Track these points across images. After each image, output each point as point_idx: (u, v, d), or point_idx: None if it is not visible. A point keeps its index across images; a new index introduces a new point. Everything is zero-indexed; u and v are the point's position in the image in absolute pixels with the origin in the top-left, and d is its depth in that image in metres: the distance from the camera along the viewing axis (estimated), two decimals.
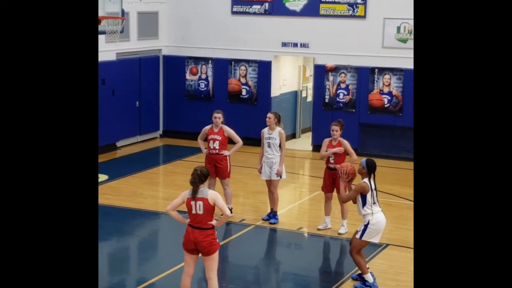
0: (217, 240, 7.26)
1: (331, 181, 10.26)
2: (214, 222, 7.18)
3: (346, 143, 10.10)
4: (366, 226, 8.18)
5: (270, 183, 10.64)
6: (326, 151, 10.21)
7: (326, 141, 10.30)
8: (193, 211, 7.12)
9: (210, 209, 7.12)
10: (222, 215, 7.18)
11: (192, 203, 7.10)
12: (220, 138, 10.66)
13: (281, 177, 10.58)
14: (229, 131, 10.73)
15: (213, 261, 7.22)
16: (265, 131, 10.59)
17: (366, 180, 8.16)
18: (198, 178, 7.10)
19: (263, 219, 10.81)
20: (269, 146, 10.49)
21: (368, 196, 8.10)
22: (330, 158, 10.18)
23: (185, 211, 7.32)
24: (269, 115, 10.60)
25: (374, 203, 8.17)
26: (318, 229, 10.46)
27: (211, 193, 7.17)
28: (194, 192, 7.10)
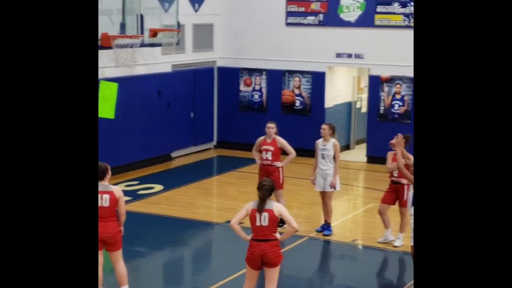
0: (281, 252, 7.26)
1: (394, 194, 10.12)
2: (278, 236, 7.18)
3: (410, 156, 9.87)
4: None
5: (324, 195, 10.59)
6: (391, 164, 10.09)
7: (391, 154, 10.17)
8: (257, 223, 7.10)
9: (275, 220, 7.11)
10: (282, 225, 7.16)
11: (257, 214, 7.10)
12: (272, 149, 10.67)
13: (335, 188, 10.52)
14: (282, 142, 10.73)
15: (276, 272, 7.20)
16: (320, 142, 10.56)
17: None
18: (268, 193, 7.12)
19: (317, 231, 10.75)
20: (323, 158, 10.46)
21: None
22: (394, 172, 10.04)
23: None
24: (323, 126, 10.57)
25: None
26: (379, 242, 10.34)
27: (277, 206, 7.17)
28: (262, 205, 7.10)
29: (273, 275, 7.18)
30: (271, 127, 10.75)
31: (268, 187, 7.11)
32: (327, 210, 10.64)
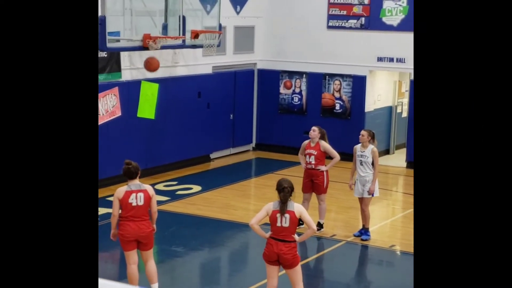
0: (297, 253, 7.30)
1: None
2: (297, 238, 7.18)
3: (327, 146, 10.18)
4: None
5: (362, 201, 10.51)
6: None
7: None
8: (278, 224, 7.14)
9: (295, 222, 7.16)
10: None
11: (278, 215, 7.12)
12: (316, 153, 10.64)
13: (373, 195, 10.44)
14: (326, 146, 10.69)
15: (298, 273, 7.26)
16: (358, 148, 10.49)
17: None
18: (289, 195, 7.14)
19: (355, 235, 10.67)
20: (361, 164, 10.38)
21: None
22: None
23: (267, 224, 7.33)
24: (362, 132, 10.49)
25: None
26: None
27: (297, 206, 7.19)
28: (284, 207, 7.11)
29: (296, 276, 7.24)
30: (314, 129, 10.73)
31: (289, 189, 7.13)
32: (364, 216, 10.56)
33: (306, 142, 10.80)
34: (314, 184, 10.73)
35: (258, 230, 7.34)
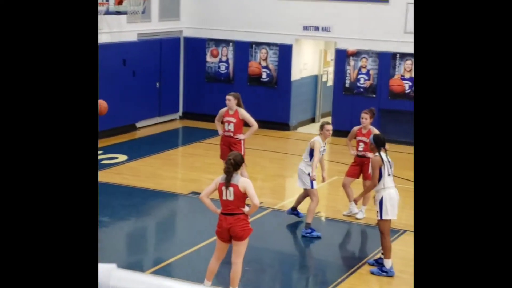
0: (249, 225, 7.29)
1: (359, 168, 10.21)
2: (245, 210, 7.20)
3: (376, 132, 9.87)
4: (380, 204, 8.23)
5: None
6: (355, 138, 10.17)
7: (355, 129, 10.24)
8: (224, 197, 7.14)
9: (240, 196, 7.12)
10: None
11: (223, 188, 7.12)
12: (234, 121, 10.59)
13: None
14: (244, 114, 10.61)
15: (243, 246, 7.26)
16: (319, 141, 9.57)
17: (377, 154, 8.27)
18: (232, 167, 7.10)
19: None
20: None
21: (382, 169, 8.22)
22: (359, 146, 10.10)
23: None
24: (327, 127, 9.64)
25: (389, 175, 8.32)
26: (344, 215, 10.44)
27: (243, 181, 7.15)
28: (228, 179, 7.11)
29: (239, 249, 7.25)
30: (228, 98, 10.59)
31: (233, 161, 7.09)
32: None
33: (224, 109, 10.67)
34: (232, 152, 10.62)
35: (209, 204, 7.30)
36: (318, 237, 9.55)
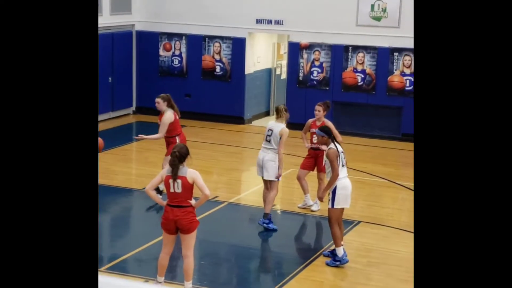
0: (196, 218, 7.27)
1: (313, 160, 10.26)
2: (193, 202, 7.18)
3: (330, 124, 9.85)
4: (334, 193, 8.30)
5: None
6: (309, 131, 10.20)
7: (310, 121, 10.29)
8: (171, 189, 7.12)
9: (189, 187, 7.12)
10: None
11: (171, 181, 7.09)
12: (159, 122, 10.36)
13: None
14: (163, 120, 10.21)
15: (192, 239, 7.26)
16: (287, 129, 9.57)
17: (331, 145, 8.32)
18: (178, 160, 7.09)
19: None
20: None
21: (338, 159, 8.32)
22: (313, 138, 10.13)
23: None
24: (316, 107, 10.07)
25: (343, 165, 8.39)
26: (298, 208, 10.50)
27: (191, 172, 7.14)
28: (174, 172, 7.08)
29: (188, 241, 7.24)
30: (157, 101, 10.30)
31: (178, 154, 7.08)
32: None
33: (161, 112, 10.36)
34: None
35: (154, 196, 7.32)
36: (274, 230, 9.59)
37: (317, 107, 10.14)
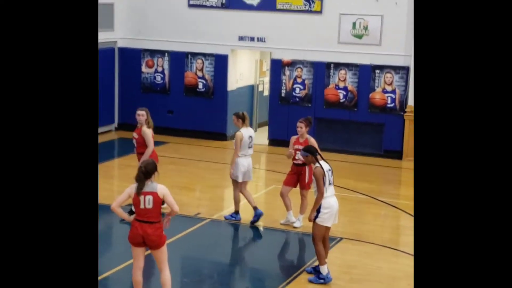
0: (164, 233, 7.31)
1: (296, 177, 10.26)
2: (165, 224, 7.25)
3: (313, 141, 9.93)
4: (318, 211, 8.29)
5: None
6: (293, 148, 10.18)
7: (293, 138, 10.30)
8: (141, 206, 7.10)
9: (159, 202, 7.14)
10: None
11: (141, 197, 7.07)
12: (136, 137, 10.34)
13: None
14: (146, 133, 10.19)
15: (164, 253, 7.28)
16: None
17: (317, 164, 8.30)
18: (143, 175, 7.08)
19: (226, 218, 10.73)
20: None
21: (324, 178, 8.27)
22: (297, 155, 10.12)
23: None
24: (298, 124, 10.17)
25: (330, 183, 8.33)
26: (281, 224, 10.50)
27: (161, 188, 7.14)
28: (140, 187, 7.06)
29: (161, 256, 7.26)
30: (140, 114, 10.28)
31: (144, 169, 7.07)
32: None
33: (139, 125, 10.40)
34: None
35: (121, 213, 7.33)
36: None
37: (299, 124, 10.18)
